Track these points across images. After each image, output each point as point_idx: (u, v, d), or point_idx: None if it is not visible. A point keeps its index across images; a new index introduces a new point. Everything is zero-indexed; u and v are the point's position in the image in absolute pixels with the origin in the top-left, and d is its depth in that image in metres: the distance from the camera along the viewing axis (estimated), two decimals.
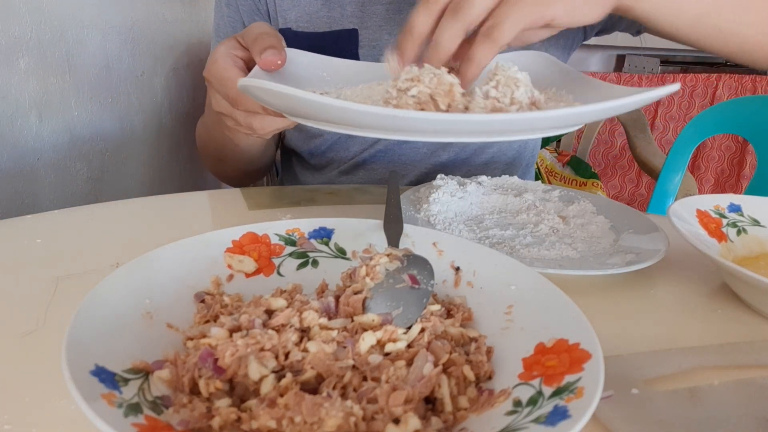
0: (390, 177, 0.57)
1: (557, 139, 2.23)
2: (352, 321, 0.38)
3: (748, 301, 0.50)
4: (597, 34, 0.84)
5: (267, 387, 0.32)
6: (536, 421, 0.29)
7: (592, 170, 2.16)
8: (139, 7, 1.05)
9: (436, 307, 0.40)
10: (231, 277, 0.44)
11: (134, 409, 0.29)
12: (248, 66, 0.54)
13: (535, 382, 0.33)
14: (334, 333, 0.37)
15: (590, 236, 0.60)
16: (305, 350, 0.34)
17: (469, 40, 0.45)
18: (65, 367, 0.28)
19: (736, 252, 0.56)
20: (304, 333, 0.37)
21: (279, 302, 0.39)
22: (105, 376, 0.30)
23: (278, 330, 0.36)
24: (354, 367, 0.34)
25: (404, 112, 0.37)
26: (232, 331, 0.36)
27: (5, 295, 0.46)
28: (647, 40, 0.80)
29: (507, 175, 0.73)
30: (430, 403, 0.33)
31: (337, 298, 0.40)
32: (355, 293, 0.40)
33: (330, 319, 0.38)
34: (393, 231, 0.47)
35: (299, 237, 0.48)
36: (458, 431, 0.31)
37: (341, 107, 0.36)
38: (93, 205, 0.65)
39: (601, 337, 0.34)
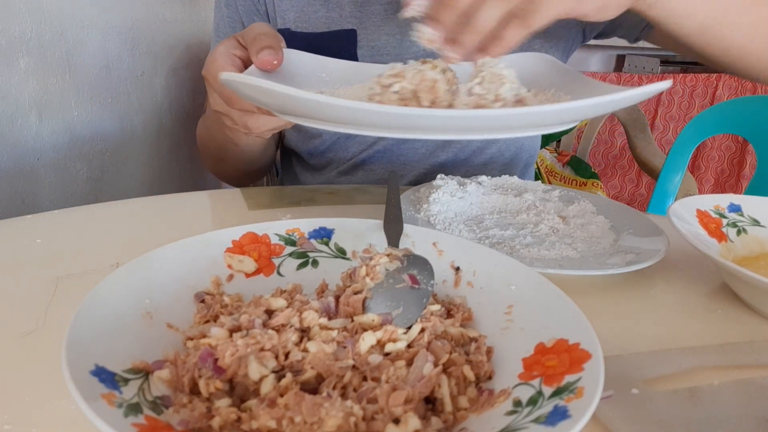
0: (390, 177, 0.57)
1: (557, 138, 2.23)
2: (352, 321, 0.38)
3: (748, 301, 0.50)
4: (595, 37, 0.84)
5: (267, 387, 0.32)
6: (536, 421, 0.29)
7: (592, 170, 2.16)
8: (139, 7, 1.05)
9: (436, 307, 0.40)
10: (231, 277, 0.44)
11: (134, 409, 0.29)
12: (247, 65, 0.54)
13: (535, 382, 0.33)
14: (334, 333, 0.37)
15: (590, 236, 0.60)
16: (305, 350, 0.34)
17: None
18: (65, 367, 0.28)
19: (736, 252, 0.56)
20: (304, 333, 0.37)
21: (279, 302, 0.39)
22: (105, 376, 0.30)
23: (278, 330, 0.36)
24: (354, 367, 0.34)
25: (376, 106, 0.35)
26: (232, 331, 0.36)
27: (5, 295, 0.46)
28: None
29: (507, 175, 0.73)
30: (430, 403, 0.33)
31: (337, 298, 0.40)
32: (355, 293, 0.40)
33: (330, 319, 0.38)
34: (393, 231, 0.47)
35: (299, 237, 0.48)
36: (458, 431, 0.31)
37: (317, 101, 0.36)
38: (93, 205, 0.65)
39: (601, 337, 0.34)
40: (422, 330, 0.37)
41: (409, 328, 0.37)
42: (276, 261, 0.46)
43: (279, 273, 0.46)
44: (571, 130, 2.09)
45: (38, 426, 0.33)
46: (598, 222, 0.62)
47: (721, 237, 0.56)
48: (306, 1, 0.79)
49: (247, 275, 0.45)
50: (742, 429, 0.35)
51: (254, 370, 0.32)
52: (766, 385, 0.39)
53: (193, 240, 0.44)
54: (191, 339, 0.37)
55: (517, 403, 0.31)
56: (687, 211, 0.56)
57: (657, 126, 2.61)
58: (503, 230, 0.59)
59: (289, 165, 0.95)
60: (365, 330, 0.37)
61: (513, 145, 0.88)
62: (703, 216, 0.57)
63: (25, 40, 0.81)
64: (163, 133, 1.17)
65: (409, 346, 0.36)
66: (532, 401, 0.31)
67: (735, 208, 0.59)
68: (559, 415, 0.29)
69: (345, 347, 0.35)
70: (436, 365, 0.34)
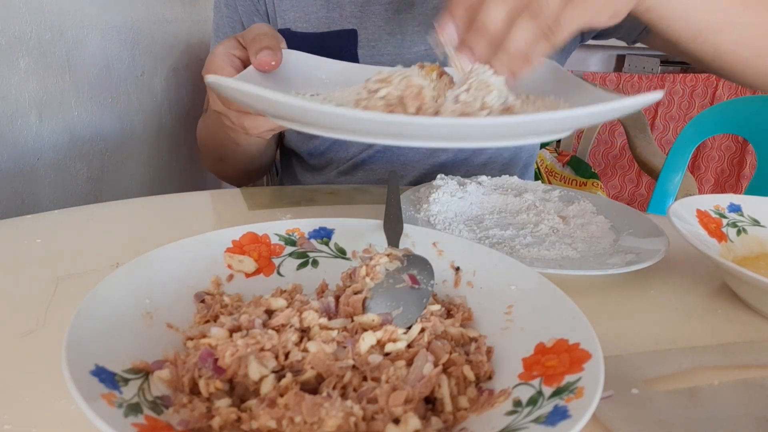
0: (390, 177, 0.57)
1: (556, 139, 2.23)
2: (352, 321, 0.38)
3: (748, 301, 0.50)
4: (594, 38, 0.84)
5: (267, 387, 0.32)
6: (536, 421, 0.29)
7: (592, 170, 2.16)
8: (139, 7, 1.05)
9: (436, 307, 0.40)
10: (231, 277, 0.44)
11: (134, 409, 0.29)
12: (246, 66, 0.54)
13: (535, 382, 0.33)
14: (334, 333, 0.37)
15: (590, 236, 0.60)
16: (305, 350, 0.34)
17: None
18: (65, 367, 0.28)
19: (736, 252, 0.56)
20: (304, 333, 0.37)
21: (279, 302, 0.39)
22: (105, 376, 0.30)
23: (278, 330, 0.36)
24: (354, 367, 0.34)
25: (352, 112, 0.35)
26: (232, 331, 0.36)
27: (5, 295, 0.46)
28: None
29: (507, 175, 0.73)
30: (430, 403, 0.33)
31: (337, 298, 0.40)
32: (355, 293, 0.40)
33: (330, 319, 0.38)
34: (393, 231, 0.47)
35: (299, 237, 0.48)
36: (458, 431, 0.31)
37: (297, 106, 0.36)
38: (93, 205, 0.65)
39: (601, 337, 0.34)
40: (422, 330, 0.37)
41: (409, 328, 0.37)
42: (276, 261, 0.46)
43: (279, 273, 0.46)
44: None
45: (38, 426, 0.33)
46: (598, 222, 0.62)
47: (721, 237, 0.56)
48: (306, 1, 0.79)
49: (247, 275, 0.45)
50: (742, 429, 0.35)
51: (254, 370, 0.32)
52: (766, 385, 0.39)
53: (193, 240, 0.44)
54: (191, 339, 0.37)
55: (517, 403, 0.31)
56: (687, 211, 0.56)
57: (657, 126, 2.61)
58: (503, 230, 0.59)
59: (289, 165, 0.95)
60: (365, 330, 0.37)
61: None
62: (703, 216, 0.57)
63: (25, 40, 0.81)
64: (163, 133, 1.17)
65: (409, 346, 0.36)
66: (532, 401, 0.31)
67: (735, 208, 0.59)
68: (559, 415, 0.29)
69: (345, 347, 0.35)
70: (436, 365, 0.34)
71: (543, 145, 2.16)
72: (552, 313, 0.38)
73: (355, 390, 0.32)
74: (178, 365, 0.33)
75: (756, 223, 0.59)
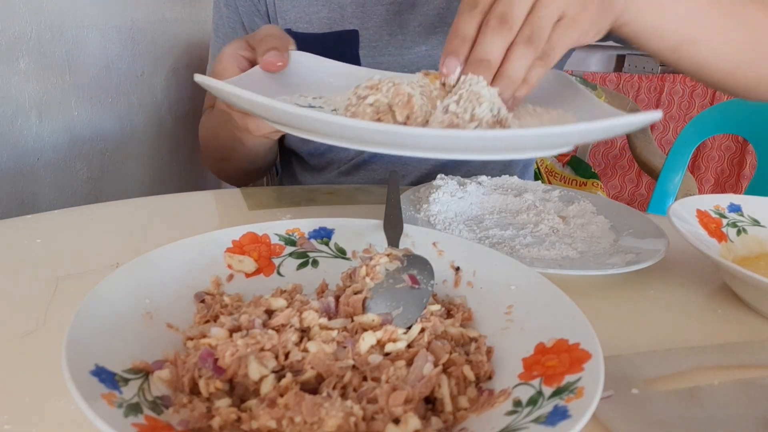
0: (390, 177, 0.57)
1: None
2: (352, 321, 0.38)
3: (748, 301, 0.50)
4: None
5: (267, 387, 0.32)
6: (536, 421, 0.29)
7: (592, 170, 2.16)
8: (139, 7, 1.05)
9: (436, 307, 0.40)
10: (231, 277, 0.44)
11: (134, 409, 0.29)
12: (253, 66, 0.54)
13: (535, 382, 0.33)
14: (334, 333, 0.37)
15: (590, 236, 0.60)
16: (305, 350, 0.34)
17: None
18: (65, 367, 0.28)
19: (736, 252, 0.56)
20: (304, 333, 0.37)
21: (279, 302, 0.39)
22: (105, 376, 0.30)
23: (278, 330, 0.36)
24: (354, 367, 0.34)
25: (332, 117, 0.35)
26: (232, 331, 0.36)
27: (5, 295, 0.46)
28: None
29: (507, 175, 0.73)
30: (430, 403, 0.33)
31: (337, 298, 0.40)
32: (355, 293, 0.40)
33: (330, 319, 0.38)
34: (393, 231, 0.47)
35: (299, 237, 0.48)
36: (458, 431, 0.31)
37: (279, 109, 0.35)
38: (93, 205, 0.65)
39: (601, 337, 0.34)
40: (422, 330, 0.37)
41: (409, 328, 0.37)
42: (276, 261, 0.46)
43: (279, 273, 0.46)
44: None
45: (38, 426, 0.33)
46: (598, 222, 0.62)
47: (721, 237, 0.56)
48: (307, 1, 0.79)
49: (247, 275, 0.45)
50: (742, 429, 0.35)
51: (254, 370, 0.32)
52: (766, 385, 0.39)
53: (193, 240, 0.44)
54: (191, 339, 0.37)
55: (517, 403, 0.31)
56: (687, 211, 0.56)
57: (657, 126, 2.61)
58: (503, 230, 0.59)
59: (289, 165, 0.95)
60: (365, 330, 0.37)
61: None
62: (703, 216, 0.57)
63: (25, 40, 0.81)
64: (163, 133, 1.17)
65: (409, 346, 0.36)
66: (532, 401, 0.31)
67: (735, 208, 0.59)
68: (559, 415, 0.29)
69: (345, 347, 0.35)
70: (436, 365, 0.34)
71: None
72: (552, 313, 0.38)
73: (355, 390, 0.32)
74: (178, 365, 0.33)
75: (756, 223, 0.59)
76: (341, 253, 0.48)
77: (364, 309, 0.39)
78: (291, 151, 0.92)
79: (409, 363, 0.34)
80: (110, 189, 1.03)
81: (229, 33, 0.83)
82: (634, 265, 0.51)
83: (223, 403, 0.31)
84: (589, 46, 2.86)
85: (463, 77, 0.44)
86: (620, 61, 2.93)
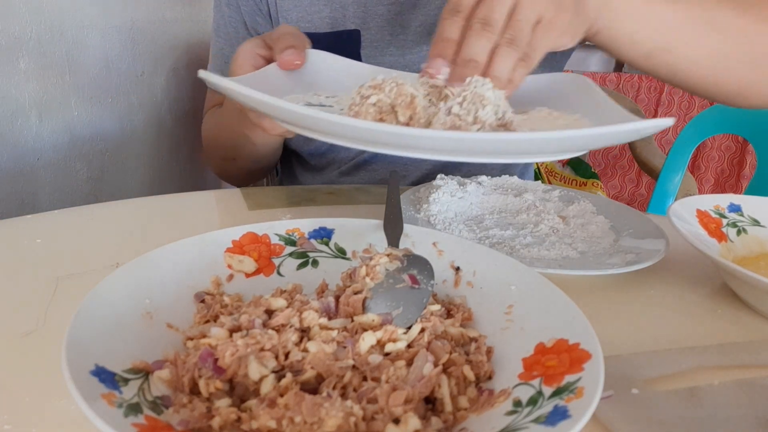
0: (390, 177, 0.57)
1: None
2: (352, 321, 0.38)
3: (748, 301, 0.50)
4: None
5: (267, 387, 0.32)
6: (536, 421, 0.29)
7: (592, 170, 2.16)
8: (139, 7, 1.05)
9: (436, 307, 0.40)
10: (231, 277, 0.44)
11: (134, 409, 0.29)
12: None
13: (535, 382, 0.33)
14: (334, 333, 0.37)
15: (590, 236, 0.60)
16: (305, 350, 0.34)
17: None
18: (65, 367, 0.28)
19: (736, 252, 0.56)
20: (304, 333, 0.37)
21: (279, 302, 0.39)
22: (105, 376, 0.30)
23: (278, 330, 0.36)
24: (354, 367, 0.34)
25: (338, 118, 0.35)
26: (232, 331, 0.36)
27: (5, 295, 0.46)
28: None
29: (507, 175, 0.73)
30: (430, 403, 0.33)
31: (337, 298, 0.40)
32: (355, 293, 0.40)
33: (330, 319, 0.38)
34: (393, 231, 0.47)
35: (299, 237, 0.48)
36: (458, 431, 0.31)
37: (279, 107, 0.36)
38: (93, 205, 0.65)
39: (601, 337, 0.34)
40: (422, 330, 0.37)
41: (409, 328, 0.37)
42: (276, 261, 0.46)
43: (279, 273, 0.46)
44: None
45: (38, 426, 0.33)
46: (598, 222, 0.62)
47: (721, 237, 0.56)
48: (309, 1, 0.79)
49: (247, 275, 0.45)
50: (742, 429, 0.35)
51: (254, 370, 0.32)
52: (766, 385, 0.39)
53: (193, 240, 0.44)
54: (191, 339, 0.37)
55: (517, 403, 0.31)
56: (687, 211, 0.56)
57: None
58: (503, 230, 0.59)
59: (289, 165, 0.95)
60: (365, 330, 0.37)
61: None
62: (703, 216, 0.57)
63: (25, 40, 0.81)
64: (163, 133, 1.17)
65: (409, 346, 0.36)
66: (532, 401, 0.31)
67: (735, 208, 0.59)
68: (559, 415, 0.29)
69: (345, 347, 0.35)
70: (436, 365, 0.34)
71: None
72: (552, 313, 0.38)
73: (355, 390, 0.32)
74: (178, 365, 0.33)
75: (756, 223, 0.59)
76: (341, 253, 0.48)
77: (364, 309, 0.39)
78: (291, 150, 0.92)
79: (409, 363, 0.34)
80: (110, 189, 1.03)
81: (230, 33, 0.83)
82: (634, 265, 0.51)
83: (223, 403, 0.31)
84: (590, 46, 2.86)
85: (468, 79, 0.44)
86: (620, 61, 2.93)
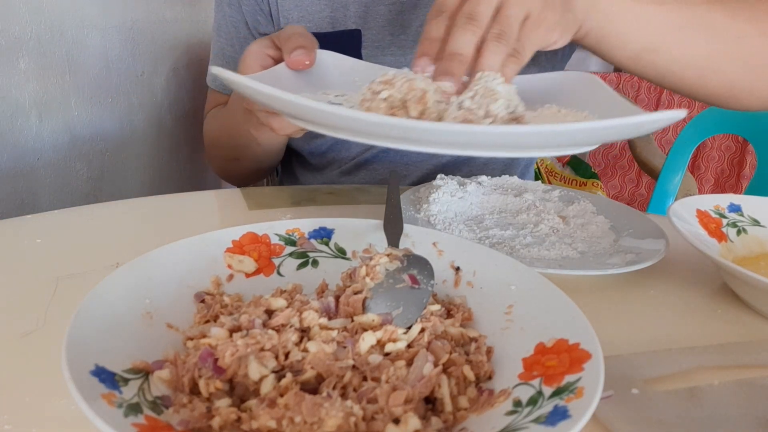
0: (390, 177, 0.57)
1: None
2: (352, 321, 0.38)
3: (748, 301, 0.50)
4: None
5: (267, 387, 0.32)
6: (536, 421, 0.29)
7: (592, 170, 2.16)
8: (139, 7, 1.05)
9: (436, 307, 0.40)
10: (231, 277, 0.44)
11: (134, 409, 0.29)
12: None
13: (535, 382, 0.33)
14: (334, 333, 0.37)
15: (590, 236, 0.60)
16: (305, 350, 0.34)
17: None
18: (65, 367, 0.28)
19: (736, 252, 0.56)
20: (304, 333, 0.37)
21: (279, 302, 0.39)
22: (105, 376, 0.30)
23: (278, 330, 0.36)
24: (354, 367, 0.34)
25: (344, 111, 0.35)
26: (232, 331, 0.36)
27: (5, 295, 0.46)
28: None
29: (507, 175, 0.73)
30: (430, 403, 0.33)
31: (337, 298, 0.40)
32: (355, 293, 0.40)
33: (330, 319, 0.38)
34: (393, 231, 0.47)
35: (299, 237, 0.48)
36: (458, 431, 0.31)
37: (293, 102, 0.35)
38: (93, 205, 0.65)
39: (601, 337, 0.34)
40: (422, 330, 0.37)
41: (409, 328, 0.37)
42: (276, 261, 0.46)
43: (279, 273, 0.46)
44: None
45: (38, 426, 0.33)
46: (598, 222, 0.62)
47: (721, 237, 0.56)
48: (310, 0, 0.79)
49: (247, 275, 0.45)
50: (742, 429, 0.35)
51: (254, 370, 0.32)
52: (766, 385, 0.39)
53: (193, 240, 0.44)
54: (191, 339, 0.37)
55: (517, 403, 0.31)
56: (687, 211, 0.56)
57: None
58: (503, 230, 0.59)
59: (289, 165, 0.95)
60: (365, 330, 0.37)
61: None
62: (703, 216, 0.57)
63: (25, 40, 0.81)
64: (163, 133, 1.17)
65: (409, 346, 0.36)
66: (532, 401, 0.31)
67: (735, 208, 0.59)
68: (559, 415, 0.29)
69: (345, 347, 0.35)
70: (436, 365, 0.34)
71: None
72: (552, 313, 0.38)
73: (355, 390, 0.32)
74: (178, 365, 0.33)
75: (756, 223, 0.59)
76: (341, 253, 0.48)
77: (364, 309, 0.39)
78: (291, 150, 0.92)
79: (409, 363, 0.34)
80: (110, 189, 1.03)
81: (231, 32, 0.83)
82: (634, 265, 0.51)
83: (223, 403, 0.31)
84: None
85: (479, 74, 0.44)
86: (610, 63, 2.92)
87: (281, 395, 0.31)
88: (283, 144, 0.78)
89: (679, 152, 1.21)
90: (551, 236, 0.59)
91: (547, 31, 0.49)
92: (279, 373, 0.33)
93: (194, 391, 0.33)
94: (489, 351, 0.38)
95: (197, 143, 1.26)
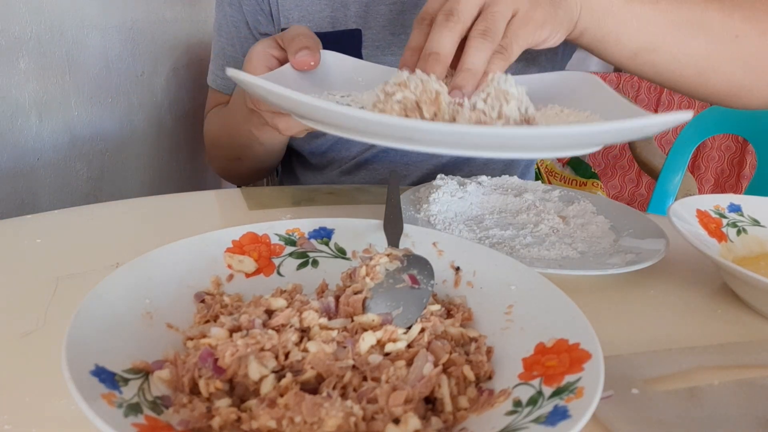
0: (390, 177, 0.57)
1: None
2: (352, 321, 0.38)
3: (748, 301, 0.50)
4: None
5: (267, 387, 0.32)
6: (536, 421, 0.29)
7: (592, 170, 2.16)
8: (139, 7, 1.05)
9: (436, 307, 0.40)
10: (231, 277, 0.44)
11: (134, 409, 0.29)
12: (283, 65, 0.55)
13: (535, 382, 0.33)
14: (334, 333, 0.37)
15: (590, 236, 0.60)
16: (305, 350, 0.34)
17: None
18: (65, 367, 0.28)
19: (736, 252, 0.56)
20: (304, 333, 0.37)
21: (279, 302, 0.39)
22: (105, 376, 0.30)
23: (278, 330, 0.36)
24: (354, 367, 0.34)
25: (356, 111, 0.35)
26: (232, 331, 0.36)
27: (5, 295, 0.46)
28: None
29: (507, 175, 0.73)
30: (430, 403, 0.33)
31: (337, 298, 0.40)
32: (355, 293, 0.40)
33: (330, 319, 0.38)
34: (393, 231, 0.47)
35: (299, 237, 0.48)
36: (458, 431, 0.31)
37: (307, 103, 0.36)
38: (93, 205, 0.65)
39: (601, 337, 0.34)
40: (422, 330, 0.37)
41: (409, 328, 0.37)
42: (276, 261, 0.46)
43: (279, 273, 0.46)
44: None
45: (38, 426, 0.33)
46: (598, 222, 0.62)
47: (721, 237, 0.56)
48: (310, 0, 0.79)
49: (247, 275, 0.45)
50: (742, 429, 0.35)
51: (254, 370, 0.32)
52: (766, 385, 0.39)
53: (193, 240, 0.44)
54: (191, 339, 0.37)
55: (517, 403, 0.31)
56: (687, 211, 0.56)
57: None
58: (503, 230, 0.59)
59: (289, 164, 0.95)
60: (365, 330, 0.37)
61: None
62: (703, 216, 0.57)
63: (25, 40, 0.81)
64: (163, 133, 1.17)
65: (409, 346, 0.36)
66: (532, 401, 0.31)
67: (735, 208, 0.59)
68: (559, 415, 0.29)
69: (345, 347, 0.35)
70: (436, 365, 0.34)
71: None
72: (552, 313, 0.38)
73: (355, 390, 0.32)
74: (178, 365, 0.33)
75: (756, 223, 0.59)
76: (341, 253, 0.48)
77: (364, 309, 0.39)
78: (292, 150, 0.92)
79: (409, 363, 0.34)
80: (110, 189, 1.03)
81: (232, 32, 0.83)
82: (634, 265, 0.51)
83: (223, 403, 0.31)
84: None
85: (491, 75, 0.44)
86: (607, 62, 2.92)
87: (281, 395, 0.31)
88: (284, 144, 0.78)
89: (679, 152, 1.21)
90: (551, 236, 0.59)
91: (535, 28, 0.49)
92: (279, 373, 0.33)
93: (194, 391, 0.33)
94: (489, 351, 0.38)
95: (197, 143, 1.26)
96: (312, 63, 0.53)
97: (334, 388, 0.32)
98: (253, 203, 0.67)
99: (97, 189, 1.00)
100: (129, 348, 0.34)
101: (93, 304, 0.34)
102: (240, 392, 0.33)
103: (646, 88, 2.57)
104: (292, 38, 0.54)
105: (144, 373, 0.33)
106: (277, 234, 0.48)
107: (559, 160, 2.18)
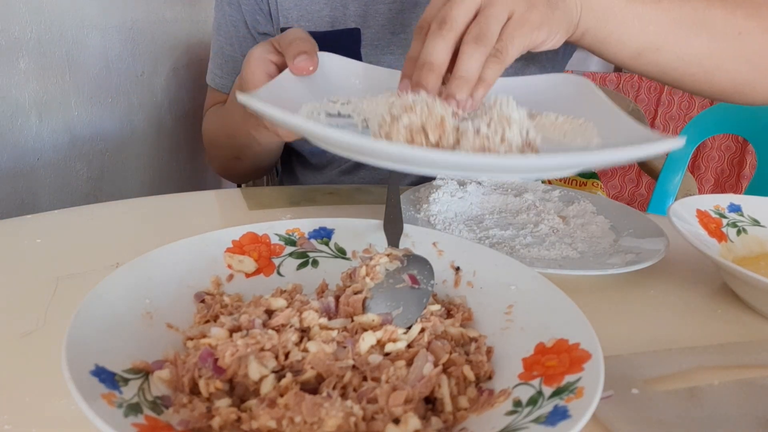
0: (390, 177, 0.57)
1: None
2: (352, 321, 0.38)
3: (748, 301, 0.50)
4: None
5: (267, 387, 0.32)
6: (536, 421, 0.29)
7: (592, 170, 2.16)
8: (139, 7, 1.05)
9: (436, 307, 0.40)
10: (231, 277, 0.44)
11: (134, 409, 0.29)
12: (281, 70, 0.55)
13: (535, 382, 0.33)
14: (334, 333, 0.37)
15: (590, 236, 0.60)
16: (305, 350, 0.34)
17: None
18: (65, 367, 0.28)
19: (736, 252, 0.56)
20: (304, 333, 0.37)
21: (279, 302, 0.39)
22: (105, 376, 0.30)
23: (278, 330, 0.36)
24: (354, 367, 0.34)
25: (375, 143, 0.36)
26: (232, 331, 0.36)
27: (5, 295, 0.46)
28: None
29: None
30: (430, 403, 0.33)
31: (337, 298, 0.40)
32: (355, 293, 0.40)
33: (330, 319, 0.38)
34: (393, 231, 0.47)
35: (299, 237, 0.48)
36: (458, 431, 0.31)
37: (313, 131, 0.36)
38: (93, 205, 0.65)
39: (601, 337, 0.34)
40: (422, 330, 0.37)
41: (409, 328, 0.37)
42: (276, 261, 0.46)
43: (279, 273, 0.46)
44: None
45: (38, 426, 0.33)
46: (598, 222, 0.62)
47: (721, 237, 0.56)
48: (309, 0, 0.79)
49: (247, 275, 0.45)
50: (742, 429, 0.35)
51: (254, 370, 0.32)
52: (766, 385, 0.39)
53: (193, 240, 0.44)
54: (191, 339, 0.37)
55: (517, 403, 0.31)
56: (687, 211, 0.56)
57: (657, 126, 2.61)
58: (503, 230, 0.59)
59: (289, 164, 0.95)
60: (365, 330, 0.37)
61: None
62: (703, 216, 0.57)
63: (25, 40, 0.81)
64: (163, 133, 1.17)
65: (409, 346, 0.36)
66: (532, 401, 0.31)
67: (735, 208, 0.59)
68: (559, 415, 0.29)
69: (345, 347, 0.35)
70: (436, 365, 0.34)
71: None
72: (552, 313, 0.38)
73: (355, 390, 0.32)
74: (178, 365, 0.33)
75: (756, 223, 0.59)
76: (341, 253, 0.48)
77: (364, 309, 0.39)
78: (291, 149, 0.92)
79: (409, 363, 0.34)
80: (110, 189, 1.03)
81: (231, 31, 0.83)
82: (634, 265, 0.51)
83: (223, 403, 0.31)
84: None
85: (494, 97, 0.44)
86: (610, 62, 2.92)
87: (281, 395, 0.31)
88: (281, 144, 0.78)
89: (679, 152, 1.21)
90: (551, 236, 0.59)
91: (531, 30, 0.48)
92: (279, 373, 0.33)
93: (194, 391, 0.33)
94: (489, 351, 0.38)
95: (197, 143, 1.26)
96: (311, 68, 0.53)
97: (334, 388, 0.32)
98: (253, 203, 0.67)
99: (97, 189, 1.00)
100: (129, 348, 0.34)
101: (93, 304, 0.34)
102: (240, 392, 0.33)
103: (646, 88, 2.57)
104: (290, 43, 0.54)
105: (144, 373, 0.33)
106: (277, 234, 0.48)
107: None
